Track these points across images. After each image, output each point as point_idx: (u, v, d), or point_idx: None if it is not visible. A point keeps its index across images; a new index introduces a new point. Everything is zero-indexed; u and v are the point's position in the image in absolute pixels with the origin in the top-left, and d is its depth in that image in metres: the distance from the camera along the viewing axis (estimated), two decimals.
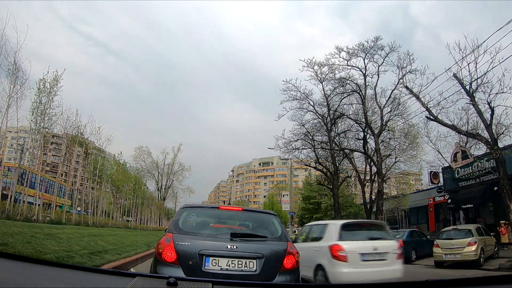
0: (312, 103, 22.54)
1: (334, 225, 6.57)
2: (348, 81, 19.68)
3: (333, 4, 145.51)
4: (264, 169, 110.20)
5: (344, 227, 6.32)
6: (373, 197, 25.49)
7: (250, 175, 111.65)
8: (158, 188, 48.06)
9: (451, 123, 14.45)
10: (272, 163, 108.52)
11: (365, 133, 18.87)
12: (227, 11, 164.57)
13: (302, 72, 22.31)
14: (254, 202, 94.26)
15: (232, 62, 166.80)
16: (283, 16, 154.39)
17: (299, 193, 33.40)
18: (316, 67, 21.25)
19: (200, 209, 4.77)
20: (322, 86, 22.24)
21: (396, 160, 25.54)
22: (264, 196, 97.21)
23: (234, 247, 3.43)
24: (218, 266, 3.33)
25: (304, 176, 32.82)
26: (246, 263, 3.40)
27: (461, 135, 19.16)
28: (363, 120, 19.05)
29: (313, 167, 23.16)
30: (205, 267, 3.30)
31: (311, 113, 22.72)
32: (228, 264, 3.36)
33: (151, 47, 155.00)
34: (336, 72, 20.60)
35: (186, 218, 4.00)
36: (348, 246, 5.84)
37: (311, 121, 22.65)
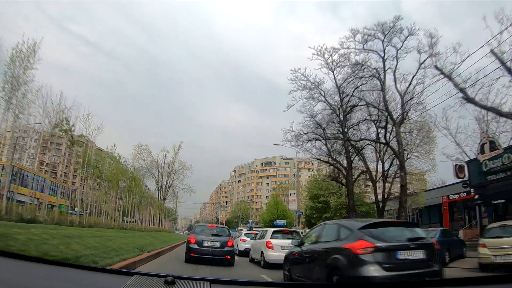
0: (323, 93, 20.80)
1: (269, 230, 12.11)
2: (365, 66, 17.86)
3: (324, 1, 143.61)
4: (266, 169, 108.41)
5: (275, 232, 11.66)
6: (386, 195, 23.82)
7: (252, 175, 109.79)
8: (158, 187, 46.32)
9: (488, 105, 12.65)
10: (274, 163, 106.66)
11: (386, 122, 16.91)
12: (218, 11, 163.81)
13: (312, 60, 20.65)
14: (256, 202, 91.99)
15: (226, 62, 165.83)
16: (274, 14, 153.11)
17: (306, 191, 31.48)
18: (326, 55, 19.53)
19: (202, 225, 13.01)
20: (334, 75, 20.52)
21: (408, 156, 23.82)
22: (267, 196, 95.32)
23: (212, 238, 10.38)
24: (208, 244, 10.05)
25: (311, 173, 30.84)
26: (215, 243, 10.13)
27: (487, 125, 17.28)
28: (382, 107, 17.21)
29: (326, 162, 21.30)
30: (203, 245, 10.02)
31: (322, 103, 20.98)
32: (210, 244, 10.09)
33: (145, 48, 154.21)
34: (352, 56, 18.86)
35: (197, 228, 11.58)
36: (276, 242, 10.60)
37: (322, 112, 20.88)
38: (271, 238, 10.82)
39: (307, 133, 20.82)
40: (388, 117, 16.95)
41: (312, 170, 30.03)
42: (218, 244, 9.98)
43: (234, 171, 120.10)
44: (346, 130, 19.63)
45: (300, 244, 6.85)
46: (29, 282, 1.35)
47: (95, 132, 12.95)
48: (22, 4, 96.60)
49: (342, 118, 19.76)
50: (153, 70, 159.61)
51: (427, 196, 26.09)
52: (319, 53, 19.84)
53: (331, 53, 19.63)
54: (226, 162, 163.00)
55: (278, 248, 10.20)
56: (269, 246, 10.41)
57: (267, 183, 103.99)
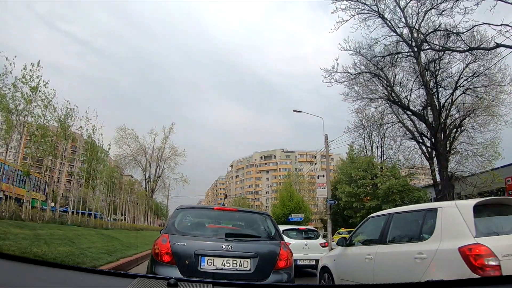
0: (382, 14, 13.53)
1: (457, 209, 3.16)
2: None
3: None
4: (266, 163, 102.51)
5: (479, 211, 2.97)
6: (449, 174, 16.91)
7: (251, 169, 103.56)
8: (145, 178, 38.77)
9: None
10: (274, 156, 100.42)
11: None
12: (210, 10, 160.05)
13: None
14: (256, 198, 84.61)
15: (219, 61, 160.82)
16: (264, 13, 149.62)
17: (340, 172, 24.14)
18: None
19: (195, 210, 4.59)
20: None
21: (462, 128, 16.69)
22: (267, 192, 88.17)
23: (229, 247, 3.37)
24: (213, 265, 3.27)
25: (347, 146, 23.42)
26: (241, 262, 3.32)
27: None
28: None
29: (401, 107, 13.84)
30: (201, 267, 3.25)
31: (378, 33, 13.77)
32: (223, 264, 3.29)
33: (137, 47, 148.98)
34: None
35: (182, 219, 3.91)
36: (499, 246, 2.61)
37: (386, 39, 13.59)
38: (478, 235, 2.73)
39: (360, 72, 13.53)
40: None
41: (352, 142, 22.67)
42: (247, 266, 3.30)
43: (232, 165, 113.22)
44: (430, 61, 12.28)
45: None
46: (29, 284, 1.31)
47: None
48: (11, 3, 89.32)
49: (419, 43, 12.45)
50: (146, 69, 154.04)
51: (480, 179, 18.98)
52: None
53: None
54: (221, 160, 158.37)
55: None
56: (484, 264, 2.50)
57: (267, 178, 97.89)
